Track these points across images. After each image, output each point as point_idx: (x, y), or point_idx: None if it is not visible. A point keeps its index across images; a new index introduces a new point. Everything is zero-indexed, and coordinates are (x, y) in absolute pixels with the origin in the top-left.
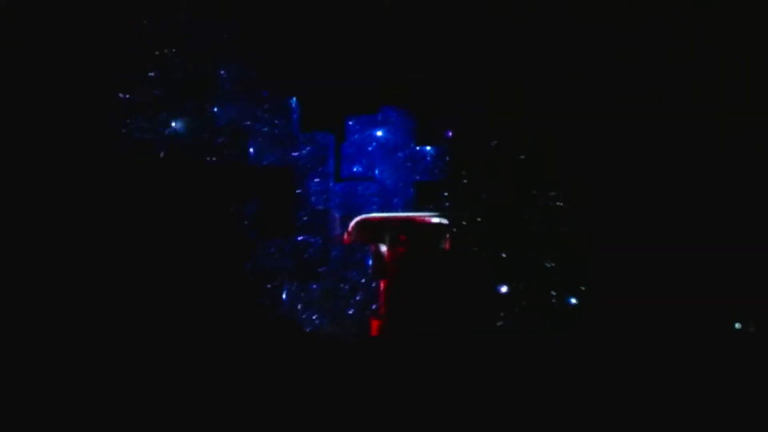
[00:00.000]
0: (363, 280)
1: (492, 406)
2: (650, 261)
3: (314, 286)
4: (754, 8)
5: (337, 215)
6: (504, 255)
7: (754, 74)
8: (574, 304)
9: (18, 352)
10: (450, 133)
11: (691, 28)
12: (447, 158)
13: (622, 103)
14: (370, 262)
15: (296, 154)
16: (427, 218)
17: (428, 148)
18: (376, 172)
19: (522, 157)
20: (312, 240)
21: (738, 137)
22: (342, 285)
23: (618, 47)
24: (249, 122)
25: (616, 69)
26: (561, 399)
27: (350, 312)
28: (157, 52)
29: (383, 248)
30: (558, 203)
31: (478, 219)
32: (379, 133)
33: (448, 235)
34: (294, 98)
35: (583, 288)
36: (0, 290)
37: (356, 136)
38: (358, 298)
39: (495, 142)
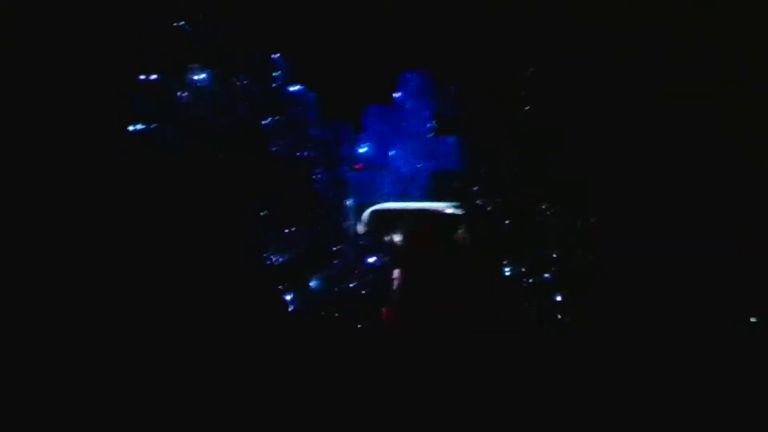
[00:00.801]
0: (373, 274)
1: (503, 403)
2: (666, 260)
3: (324, 276)
4: (754, 8)
5: (351, 205)
6: (519, 247)
7: (754, 74)
8: (588, 302)
9: (34, 350)
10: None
11: (691, 28)
12: (464, 147)
13: (622, 104)
14: (383, 254)
15: (309, 143)
16: (443, 208)
17: (446, 136)
18: (392, 161)
19: (534, 151)
20: (324, 230)
21: (738, 137)
22: (353, 276)
23: (618, 47)
24: (261, 111)
25: (616, 69)
26: (572, 398)
27: (359, 303)
28: (167, 44)
29: (397, 238)
30: (570, 201)
31: (495, 209)
32: (395, 121)
33: (464, 226)
34: (306, 87)
35: (595, 285)
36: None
37: (371, 123)
38: (367, 290)
39: (511, 133)
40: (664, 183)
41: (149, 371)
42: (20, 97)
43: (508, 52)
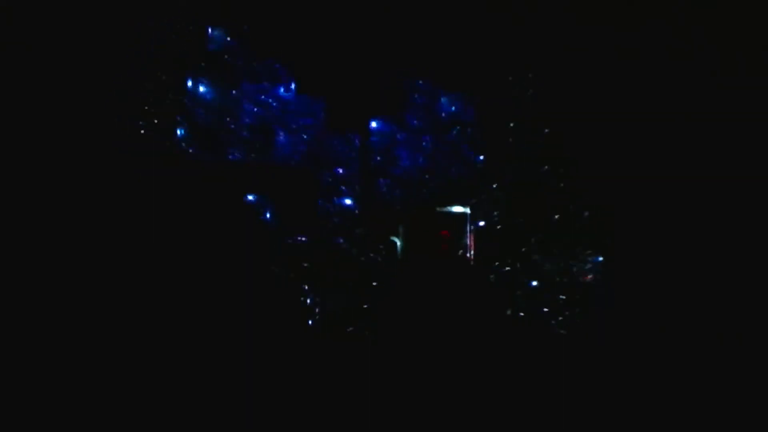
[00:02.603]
0: (382, 278)
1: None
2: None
3: (337, 289)
4: (754, 8)
5: (363, 211)
6: (525, 250)
7: (754, 74)
8: (596, 299)
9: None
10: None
11: (691, 28)
12: (473, 150)
13: (622, 104)
14: (390, 257)
15: (321, 151)
16: (450, 211)
17: (456, 140)
18: (403, 166)
19: (540, 154)
20: (335, 237)
21: (738, 137)
22: (363, 281)
23: (618, 47)
24: (274, 119)
25: (616, 69)
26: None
27: (367, 310)
28: (178, 46)
29: (399, 242)
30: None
31: (501, 212)
32: (403, 127)
33: (472, 228)
34: (320, 97)
35: (605, 279)
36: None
37: (381, 131)
38: (375, 296)
39: (515, 137)
40: (665, 183)
41: (160, 373)
42: (20, 97)
43: (508, 52)
